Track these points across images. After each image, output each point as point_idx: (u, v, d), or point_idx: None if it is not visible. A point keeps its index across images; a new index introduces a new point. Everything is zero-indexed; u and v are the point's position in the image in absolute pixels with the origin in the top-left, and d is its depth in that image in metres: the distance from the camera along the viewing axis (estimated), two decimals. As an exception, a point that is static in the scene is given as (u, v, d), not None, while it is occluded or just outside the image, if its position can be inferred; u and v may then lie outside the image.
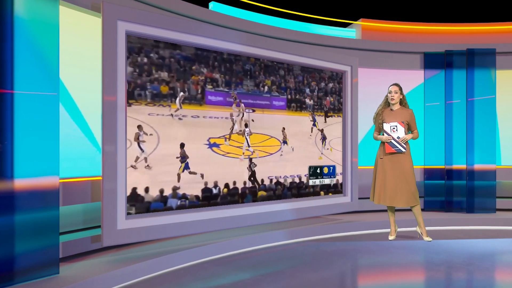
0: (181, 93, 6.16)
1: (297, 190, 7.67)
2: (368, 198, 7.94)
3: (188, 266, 5.46)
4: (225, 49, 6.46)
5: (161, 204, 5.88)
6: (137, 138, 5.63)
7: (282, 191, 7.42)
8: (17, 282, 4.15)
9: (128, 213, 5.42)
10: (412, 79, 9.56)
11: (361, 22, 9.78)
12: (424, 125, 9.39)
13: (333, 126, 8.17)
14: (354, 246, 6.61)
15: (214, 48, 6.34)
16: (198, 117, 6.42)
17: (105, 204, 5.09)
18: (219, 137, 6.70)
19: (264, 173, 7.20)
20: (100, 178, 5.23)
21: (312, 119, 7.80)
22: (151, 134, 5.79)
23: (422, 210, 8.99)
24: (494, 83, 9.23)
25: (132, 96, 5.62)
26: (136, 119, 5.72)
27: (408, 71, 9.54)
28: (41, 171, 4.32)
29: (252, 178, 6.74)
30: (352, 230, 7.71)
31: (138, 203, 5.61)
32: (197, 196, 6.29)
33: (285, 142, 7.53)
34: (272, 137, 7.41)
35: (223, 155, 6.78)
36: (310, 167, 7.72)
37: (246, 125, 6.92)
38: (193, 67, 6.32)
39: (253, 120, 6.99)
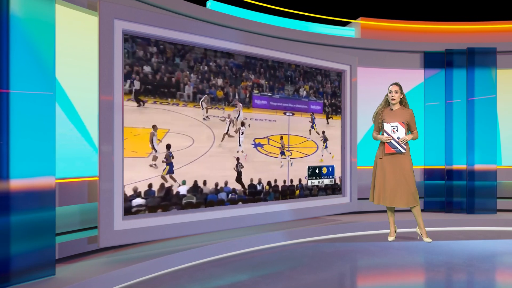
0: (205, 95, 6.53)
1: (332, 191, 8.21)
2: (368, 198, 7.95)
3: (186, 267, 5.47)
4: (223, 48, 6.47)
5: (215, 196, 6.59)
6: (151, 138, 5.80)
7: (317, 191, 7.96)
8: (13, 284, 4.15)
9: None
10: (412, 78, 9.57)
11: (360, 21, 9.80)
12: (424, 125, 9.41)
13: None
14: (353, 247, 6.62)
15: (212, 47, 6.35)
16: (246, 119, 7.11)
17: (101, 205, 5.10)
18: (263, 138, 7.41)
19: (302, 174, 7.83)
20: (96, 178, 5.23)
21: (311, 121, 7.81)
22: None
23: (422, 210, 9.01)
24: (495, 83, 9.24)
25: (194, 99, 6.43)
26: (197, 119, 6.53)
27: (407, 71, 9.56)
28: (37, 172, 4.32)
29: (238, 180, 6.75)
30: (351, 231, 7.72)
31: (198, 194, 6.34)
32: (244, 191, 6.98)
33: (326, 145, 8.10)
34: (309, 139, 7.96)
35: (266, 154, 7.46)
36: (309, 167, 7.73)
37: (242, 124, 7.00)
38: (243, 74, 7.08)
39: (249, 125, 7.13)
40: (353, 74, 8.36)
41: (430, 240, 6.84)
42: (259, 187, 7.22)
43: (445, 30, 9.97)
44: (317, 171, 7.85)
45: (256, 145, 7.34)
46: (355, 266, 5.78)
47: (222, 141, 6.73)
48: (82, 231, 5.68)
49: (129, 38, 5.57)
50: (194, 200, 6.36)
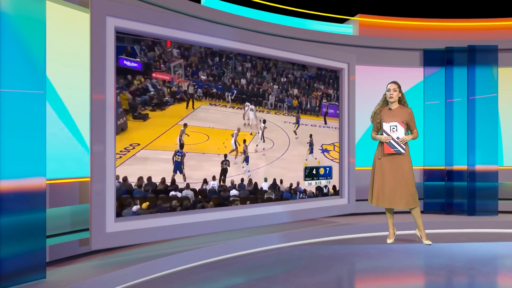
0: (249, 105, 7.29)
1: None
2: (366, 200, 7.96)
3: (179, 271, 5.49)
4: (218, 45, 6.49)
5: (289, 194, 7.68)
6: (180, 135, 6.28)
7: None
8: (2, 287, 4.16)
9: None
10: (411, 76, 9.60)
11: (358, 18, 9.82)
12: (423, 124, 9.43)
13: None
14: (351, 250, 6.65)
15: (206, 44, 6.37)
16: (315, 126, 8.16)
17: (93, 206, 5.11)
18: (329, 144, 8.41)
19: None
20: (88, 179, 5.24)
21: (296, 122, 7.89)
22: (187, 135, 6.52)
23: (422, 212, 9.03)
24: (496, 81, 9.27)
25: (275, 107, 7.58)
26: (277, 125, 7.67)
27: (407, 69, 9.58)
28: (27, 172, 4.34)
29: (222, 177, 6.86)
30: (349, 233, 7.75)
31: (276, 191, 7.47)
32: (312, 192, 8.05)
33: (312, 150, 8.26)
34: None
35: (331, 159, 8.45)
36: (306, 168, 7.75)
37: (264, 121, 7.45)
38: (315, 84, 8.12)
39: (264, 122, 7.57)
40: (351, 73, 8.38)
41: (430, 243, 6.87)
42: (325, 190, 8.22)
43: (446, 27, 9.99)
44: (314, 171, 7.87)
45: (324, 151, 8.31)
46: (353, 269, 5.80)
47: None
48: (73, 233, 5.69)
49: (233, 56, 6.84)
50: (273, 196, 7.42)
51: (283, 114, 7.67)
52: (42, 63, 4.45)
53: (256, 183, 7.22)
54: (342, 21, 10.12)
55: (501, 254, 6.46)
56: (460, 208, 9.23)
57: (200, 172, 6.52)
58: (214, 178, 6.70)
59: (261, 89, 7.27)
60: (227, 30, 6.66)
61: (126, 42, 5.65)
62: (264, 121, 7.42)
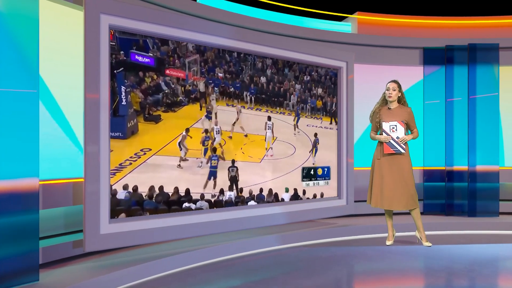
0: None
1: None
2: (364, 201, 7.96)
3: (175, 273, 5.49)
4: (214, 44, 6.49)
5: None
6: (181, 141, 6.17)
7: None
8: (-6, 290, 4.17)
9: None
10: (411, 75, 9.61)
11: (357, 16, 9.83)
12: (423, 124, 9.44)
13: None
14: (349, 252, 6.66)
15: (203, 43, 6.37)
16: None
17: (87, 207, 5.11)
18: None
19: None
20: (82, 180, 5.24)
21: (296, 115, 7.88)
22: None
23: (422, 213, 9.02)
24: (497, 80, 9.29)
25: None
26: (299, 128, 7.64)
27: (406, 67, 9.60)
28: (19, 173, 4.34)
29: (233, 186, 6.83)
30: (348, 234, 7.76)
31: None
32: None
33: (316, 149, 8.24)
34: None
35: None
36: (303, 169, 7.76)
37: (269, 118, 7.37)
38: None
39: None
40: (350, 71, 8.39)
41: (430, 244, 6.88)
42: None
43: (446, 25, 10.01)
44: (311, 172, 7.87)
45: None
46: (352, 271, 5.82)
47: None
48: (67, 234, 5.69)
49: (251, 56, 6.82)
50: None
51: (306, 117, 7.65)
52: (35, 61, 4.46)
53: (276, 193, 7.24)
54: (340, 19, 10.13)
55: (502, 256, 6.48)
56: (461, 209, 9.25)
57: (216, 181, 6.50)
58: (231, 188, 6.67)
59: (282, 88, 7.19)
60: (223, 28, 6.66)
61: (138, 35, 5.64)
62: (269, 118, 7.31)
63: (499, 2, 10.68)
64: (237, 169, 6.78)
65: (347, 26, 9.89)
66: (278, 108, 7.16)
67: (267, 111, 7.12)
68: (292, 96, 7.38)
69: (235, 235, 6.84)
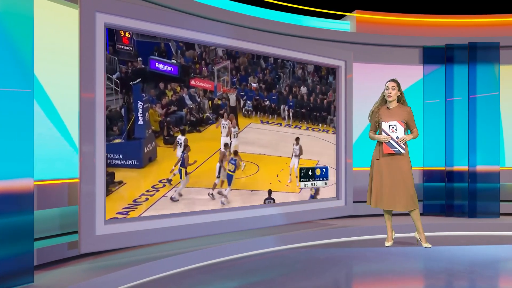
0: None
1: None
2: (363, 201, 7.96)
3: (172, 274, 5.50)
4: (212, 43, 6.49)
5: None
6: (176, 147, 5.71)
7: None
8: (-12, 291, 4.17)
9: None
10: (411, 74, 9.63)
11: (356, 14, 9.84)
12: (423, 124, 9.46)
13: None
14: (348, 253, 6.67)
15: (200, 42, 6.36)
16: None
17: (82, 208, 5.11)
18: None
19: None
20: (77, 180, 5.23)
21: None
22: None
23: (421, 214, 9.00)
24: (498, 79, 9.31)
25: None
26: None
27: (406, 66, 9.61)
28: (14, 173, 4.33)
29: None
30: (347, 235, 7.77)
31: None
32: None
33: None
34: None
35: None
36: (301, 169, 7.75)
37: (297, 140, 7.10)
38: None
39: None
40: (348, 70, 8.39)
41: (430, 246, 6.89)
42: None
43: (446, 24, 10.02)
44: (310, 172, 7.87)
45: None
46: (351, 272, 5.83)
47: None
48: (62, 236, 5.70)
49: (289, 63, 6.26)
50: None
51: None
52: (30, 60, 4.46)
53: None
54: (339, 17, 10.15)
55: (503, 257, 6.49)
56: (461, 210, 9.27)
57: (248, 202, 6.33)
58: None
59: (325, 101, 6.77)
60: (220, 26, 6.66)
61: (159, 38, 5.41)
62: (297, 140, 7.02)
63: (499, 1, 10.68)
64: (273, 201, 6.58)
65: (346, 24, 9.91)
66: (320, 124, 6.74)
67: (307, 128, 6.66)
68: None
69: (232, 236, 6.84)
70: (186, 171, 5.81)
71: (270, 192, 6.28)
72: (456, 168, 9.33)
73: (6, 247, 4.28)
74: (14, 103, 4.32)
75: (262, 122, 6.12)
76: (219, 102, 5.64)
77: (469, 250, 6.79)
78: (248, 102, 5.88)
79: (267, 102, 6.01)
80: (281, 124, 6.28)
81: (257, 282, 5.20)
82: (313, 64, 7.89)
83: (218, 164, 5.95)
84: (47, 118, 5.46)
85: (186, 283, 5.15)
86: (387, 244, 7.06)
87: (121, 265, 5.26)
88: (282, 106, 6.17)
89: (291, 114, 6.36)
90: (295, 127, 6.45)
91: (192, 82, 5.42)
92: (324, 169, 8.12)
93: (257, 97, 5.93)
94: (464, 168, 9.31)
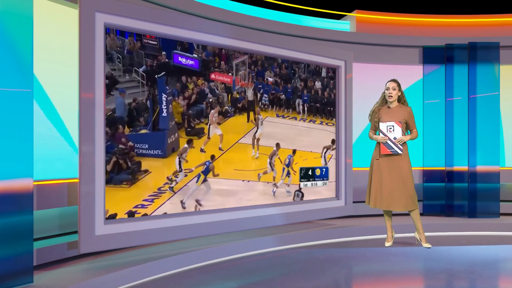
0: None
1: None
2: (363, 201, 7.95)
3: (171, 274, 5.50)
4: (212, 43, 6.48)
5: None
6: (180, 154, 5.80)
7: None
8: (-13, 291, 4.17)
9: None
10: (410, 74, 9.63)
11: (356, 14, 9.84)
12: (423, 124, 9.46)
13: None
14: (348, 253, 6.67)
15: (200, 41, 6.36)
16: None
17: (82, 208, 5.11)
18: None
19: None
20: (77, 180, 5.24)
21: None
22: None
23: (421, 214, 8.99)
24: (498, 79, 9.31)
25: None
26: None
27: (406, 66, 9.61)
28: (13, 173, 4.34)
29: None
30: (346, 236, 7.78)
31: None
32: None
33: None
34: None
35: None
36: (301, 169, 7.75)
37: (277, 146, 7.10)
38: None
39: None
40: (348, 70, 8.39)
41: (430, 246, 6.90)
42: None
43: (446, 24, 10.03)
44: (310, 172, 7.87)
45: None
46: (350, 273, 5.83)
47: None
48: (61, 236, 5.70)
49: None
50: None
51: None
52: (29, 60, 4.46)
53: None
54: (338, 17, 10.15)
55: (503, 257, 6.50)
56: (461, 210, 9.27)
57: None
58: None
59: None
60: (220, 26, 6.66)
61: None
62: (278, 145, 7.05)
63: (499, 1, 10.69)
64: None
65: (346, 24, 9.91)
66: (330, 118, 6.83)
67: (321, 122, 6.75)
68: None
69: (232, 236, 6.84)
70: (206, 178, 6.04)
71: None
72: (456, 168, 9.33)
73: (6, 247, 4.28)
74: (13, 103, 4.33)
75: (277, 116, 6.24)
76: (237, 95, 5.76)
77: (469, 250, 6.80)
78: (265, 95, 5.99)
79: (283, 96, 6.10)
80: (295, 118, 6.33)
81: (256, 282, 5.20)
82: (313, 64, 7.90)
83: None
84: (47, 118, 5.47)
85: (186, 283, 5.15)
86: (387, 244, 7.07)
87: (120, 265, 5.26)
88: (297, 100, 6.20)
89: (306, 108, 6.40)
90: (309, 121, 6.48)
91: (212, 76, 5.58)
92: (324, 169, 8.12)
93: (273, 91, 6.00)
94: (464, 168, 9.31)
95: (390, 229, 7.13)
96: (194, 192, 5.96)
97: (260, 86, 5.92)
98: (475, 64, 9.32)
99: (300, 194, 6.89)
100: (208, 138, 5.82)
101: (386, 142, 6.77)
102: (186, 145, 5.99)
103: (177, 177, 5.83)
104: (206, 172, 5.89)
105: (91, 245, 5.22)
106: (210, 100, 5.51)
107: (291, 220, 7.50)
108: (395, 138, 6.74)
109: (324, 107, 6.54)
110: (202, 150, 5.80)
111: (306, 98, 6.33)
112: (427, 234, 7.63)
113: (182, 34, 6.16)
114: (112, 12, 5.43)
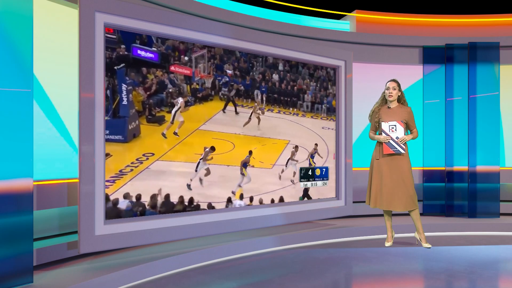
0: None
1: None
2: (363, 201, 7.95)
3: (170, 275, 5.51)
4: (212, 42, 6.49)
5: None
6: (204, 157, 6.16)
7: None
8: (-13, 292, 4.18)
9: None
10: (410, 74, 9.64)
11: (355, 14, 9.85)
12: (423, 124, 9.47)
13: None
14: (348, 253, 6.67)
15: (199, 41, 6.37)
16: None
17: (82, 208, 5.12)
18: None
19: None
20: (77, 180, 5.25)
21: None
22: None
23: (421, 214, 9.05)
24: (498, 79, 9.32)
25: (311, 110, 7.44)
26: (313, 131, 7.54)
27: (406, 66, 9.62)
28: (13, 173, 4.34)
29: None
30: (346, 236, 7.78)
31: None
32: None
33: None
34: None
35: None
36: (301, 169, 7.75)
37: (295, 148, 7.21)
38: None
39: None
40: (348, 70, 8.40)
41: (430, 246, 6.90)
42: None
43: (446, 24, 10.03)
44: (310, 172, 7.87)
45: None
46: (350, 273, 5.83)
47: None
48: (61, 236, 5.71)
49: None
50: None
51: (322, 118, 7.57)
52: (29, 60, 4.47)
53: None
54: (338, 17, 10.16)
55: (503, 257, 6.49)
56: (461, 210, 9.28)
57: (224, 189, 6.41)
58: (241, 197, 6.60)
59: (295, 87, 7.03)
60: (220, 26, 6.66)
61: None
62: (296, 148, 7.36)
63: (499, 1, 10.69)
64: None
65: (346, 24, 9.91)
66: (291, 108, 7.02)
67: (279, 112, 6.97)
68: (305, 95, 7.25)
69: (231, 237, 6.85)
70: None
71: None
72: (456, 168, 9.34)
73: (6, 247, 4.29)
74: (13, 103, 4.34)
75: (237, 105, 6.49)
76: (197, 86, 5.98)
77: (469, 250, 6.80)
78: (224, 88, 6.29)
79: (242, 87, 6.42)
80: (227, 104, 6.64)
81: (256, 282, 5.20)
82: (313, 64, 7.91)
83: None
84: (47, 118, 5.47)
85: (185, 283, 5.16)
86: (387, 244, 7.07)
87: (120, 265, 5.27)
88: (255, 91, 6.38)
89: (264, 98, 6.72)
90: (268, 110, 6.73)
91: (172, 68, 5.76)
92: (324, 169, 8.13)
93: (232, 83, 6.35)
94: (464, 168, 9.32)
95: (390, 229, 7.14)
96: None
97: (220, 78, 6.14)
98: (475, 64, 9.32)
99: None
100: (172, 123, 5.94)
101: (389, 141, 6.78)
102: (207, 149, 6.30)
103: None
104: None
105: (91, 245, 5.23)
106: (170, 90, 5.71)
107: (291, 220, 7.50)
108: (397, 138, 6.75)
109: (280, 97, 6.85)
110: (163, 135, 5.89)
111: (264, 89, 6.51)
112: (427, 234, 7.65)
113: (182, 34, 6.17)
114: (112, 12, 5.44)
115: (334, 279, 5.47)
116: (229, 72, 6.35)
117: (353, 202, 8.51)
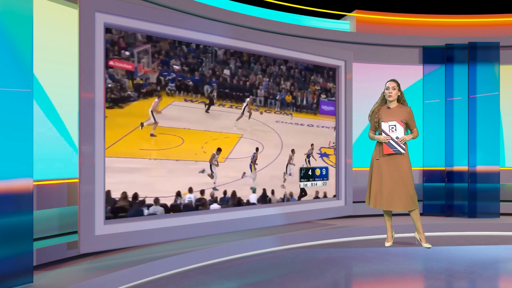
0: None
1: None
2: (363, 201, 7.95)
3: (170, 275, 5.51)
4: (212, 42, 6.49)
5: None
6: (211, 160, 6.25)
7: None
8: (-13, 292, 4.18)
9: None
10: (410, 74, 9.64)
11: (355, 14, 9.85)
12: (423, 124, 9.47)
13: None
14: (348, 253, 6.67)
15: (199, 41, 6.37)
16: (312, 126, 8.04)
17: (82, 208, 5.12)
18: (329, 147, 8.31)
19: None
20: (77, 180, 5.26)
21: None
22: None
23: (421, 214, 9.05)
24: (498, 79, 9.32)
25: (265, 104, 7.27)
26: (267, 125, 7.34)
27: (406, 66, 9.63)
28: (13, 173, 4.34)
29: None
30: (346, 236, 7.78)
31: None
32: None
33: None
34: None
35: (331, 165, 8.35)
36: (301, 169, 7.75)
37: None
38: (311, 77, 7.97)
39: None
40: (348, 70, 8.40)
41: (430, 246, 6.90)
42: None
43: (446, 24, 10.03)
44: (309, 172, 7.87)
45: (322, 155, 8.20)
46: (350, 273, 5.83)
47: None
48: (61, 236, 5.70)
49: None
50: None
51: (275, 112, 7.44)
52: (29, 60, 4.47)
53: (239, 197, 6.93)
54: (338, 17, 10.16)
55: (503, 257, 6.49)
56: (461, 210, 9.28)
57: (172, 183, 6.18)
58: (190, 190, 6.37)
59: (248, 83, 6.97)
60: (219, 26, 6.67)
61: None
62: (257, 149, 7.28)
63: (499, 1, 10.69)
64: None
65: (346, 24, 9.92)
66: (241, 103, 6.89)
67: (231, 106, 6.81)
68: (258, 90, 7.14)
69: (231, 237, 6.85)
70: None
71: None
72: (456, 168, 9.34)
73: (6, 247, 4.29)
74: (13, 103, 4.34)
75: (186, 101, 6.30)
76: (141, 81, 5.80)
77: (469, 250, 6.80)
78: (171, 83, 6.11)
79: (190, 83, 6.28)
80: (204, 103, 6.51)
81: (256, 282, 5.20)
82: (313, 64, 7.91)
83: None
84: (47, 118, 5.47)
85: (185, 283, 5.16)
86: (387, 244, 7.07)
87: (120, 265, 5.27)
88: (205, 87, 6.34)
89: (215, 94, 6.61)
90: (219, 105, 6.66)
91: (111, 63, 5.53)
92: (324, 169, 8.12)
93: (180, 78, 6.19)
94: (464, 168, 9.32)
95: (390, 229, 7.14)
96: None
97: (166, 73, 5.99)
98: (475, 64, 9.32)
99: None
100: (156, 122, 5.99)
101: (389, 141, 6.78)
102: (214, 152, 6.44)
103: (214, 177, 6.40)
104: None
105: (91, 245, 5.23)
106: (109, 85, 5.49)
107: (291, 220, 7.50)
108: (397, 138, 6.75)
109: (232, 92, 6.76)
110: (152, 135, 6.00)
111: (215, 84, 6.47)
112: (427, 234, 7.65)
113: (182, 34, 6.17)
114: (112, 12, 5.44)
115: (334, 279, 5.47)
116: (176, 67, 6.21)
117: (353, 202, 8.51)
